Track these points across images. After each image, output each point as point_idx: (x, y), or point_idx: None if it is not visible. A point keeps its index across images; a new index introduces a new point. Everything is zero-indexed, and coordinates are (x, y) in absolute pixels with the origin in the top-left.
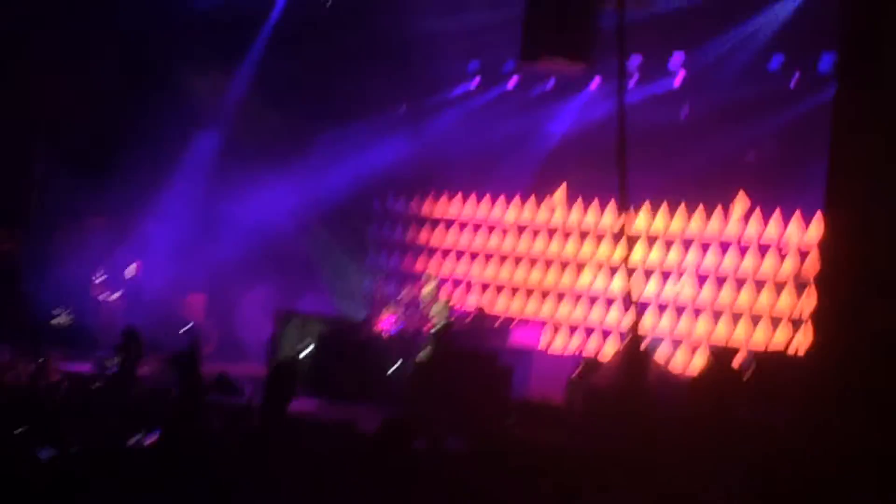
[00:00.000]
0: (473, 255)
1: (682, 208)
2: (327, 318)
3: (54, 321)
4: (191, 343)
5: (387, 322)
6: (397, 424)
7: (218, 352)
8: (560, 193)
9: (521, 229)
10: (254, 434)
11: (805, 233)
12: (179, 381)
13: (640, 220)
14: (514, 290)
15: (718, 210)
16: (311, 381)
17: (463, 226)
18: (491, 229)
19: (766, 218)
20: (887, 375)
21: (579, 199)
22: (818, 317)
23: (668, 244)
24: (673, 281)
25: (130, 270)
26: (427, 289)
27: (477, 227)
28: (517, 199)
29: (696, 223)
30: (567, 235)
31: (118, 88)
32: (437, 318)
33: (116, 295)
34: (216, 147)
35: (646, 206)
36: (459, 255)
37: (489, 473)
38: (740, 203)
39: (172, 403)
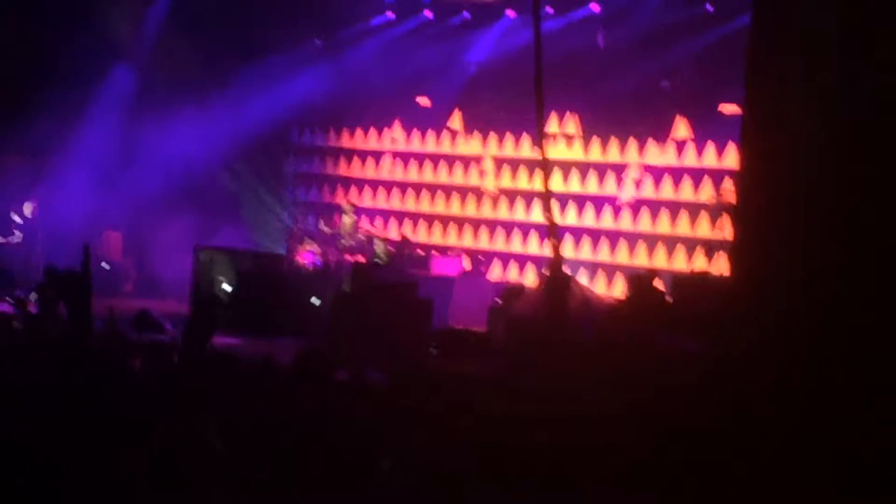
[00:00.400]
0: (392, 186)
1: (600, 136)
2: (247, 253)
3: None
4: (79, 269)
5: (307, 255)
6: (312, 355)
7: (137, 289)
8: (475, 123)
9: (438, 159)
10: (172, 372)
11: (721, 159)
12: (68, 308)
13: (559, 148)
14: (434, 220)
15: (634, 137)
16: (232, 317)
17: (381, 156)
18: (408, 160)
19: (682, 144)
20: (803, 303)
21: (497, 129)
22: (736, 244)
23: (586, 171)
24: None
25: (27, 209)
26: (346, 220)
27: (395, 158)
28: (434, 130)
29: (613, 150)
30: (484, 164)
31: (31, 24)
32: (376, 255)
33: (17, 237)
34: (134, 81)
35: (564, 133)
36: (377, 186)
37: (408, 405)
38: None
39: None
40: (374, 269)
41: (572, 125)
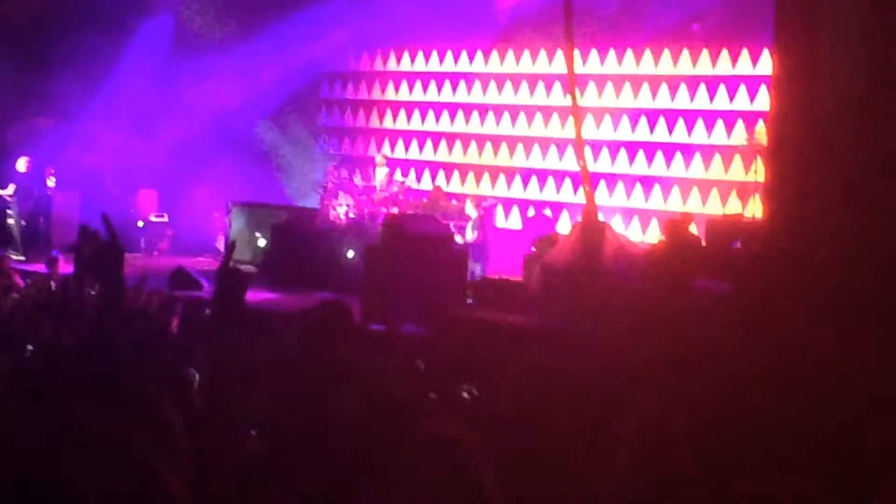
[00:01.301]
0: (424, 137)
1: (630, 80)
2: (281, 208)
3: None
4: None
5: (340, 208)
6: (334, 306)
7: (172, 246)
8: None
9: (470, 108)
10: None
11: (753, 101)
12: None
13: (589, 94)
14: (468, 170)
15: (665, 82)
16: (267, 273)
17: (411, 106)
18: (439, 109)
19: (714, 87)
20: (837, 241)
21: (526, 76)
22: (769, 185)
23: (617, 117)
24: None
25: (20, 165)
26: (380, 173)
27: (425, 108)
28: (465, 78)
29: (645, 95)
30: (517, 112)
31: None
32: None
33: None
34: (167, 32)
35: (594, 80)
36: (410, 137)
37: (443, 356)
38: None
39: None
40: (407, 220)
41: (602, 66)
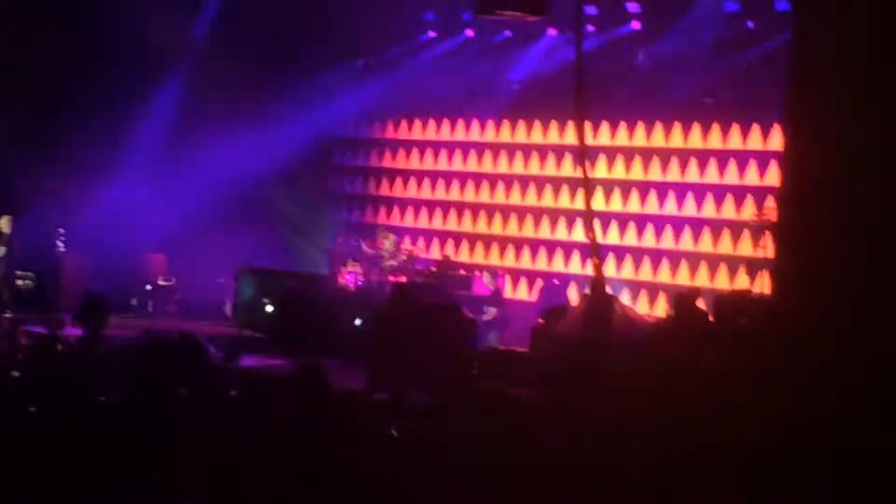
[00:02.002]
0: (434, 206)
1: (641, 154)
2: (290, 274)
3: (18, 283)
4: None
5: (349, 276)
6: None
7: (180, 310)
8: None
9: (481, 177)
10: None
11: (763, 177)
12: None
13: (600, 166)
14: (477, 240)
15: (675, 156)
16: (274, 339)
17: (422, 175)
18: (450, 178)
19: (724, 161)
20: (846, 321)
21: (537, 147)
22: (777, 263)
23: (627, 190)
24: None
25: (4, 224)
26: (388, 241)
27: (436, 177)
28: (475, 148)
29: (655, 168)
30: (527, 183)
31: (75, 40)
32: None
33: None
34: (178, 101)
35: (603, 152)
36: (420, 206)
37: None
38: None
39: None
40: (418, 288)
41: (614, 139)
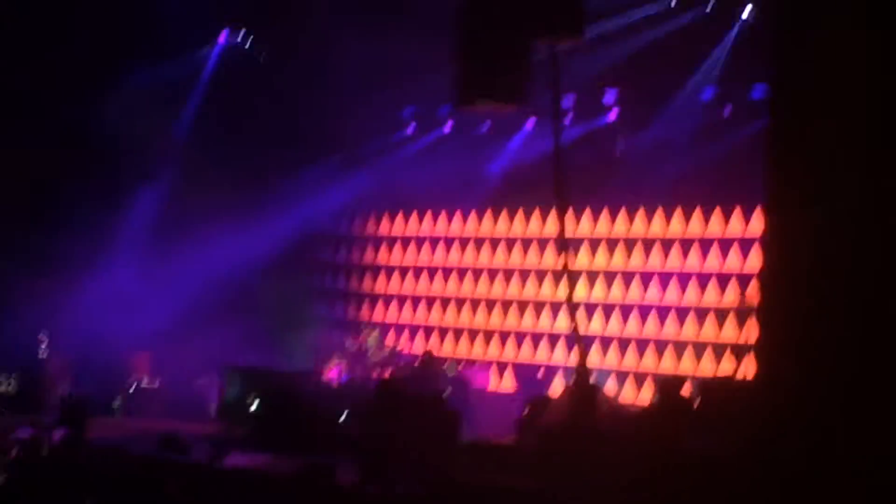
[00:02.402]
0: (418, 301)
1: (621, 243)
2: (274, 372)
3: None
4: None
5: (333, 372)
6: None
7: (166, 409)
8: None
9: (464, 270)
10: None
11: (745, 262)
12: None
13: (581, 256)
14: (462, 333)
15: (658, 243)
16: (260, 435)
17: (404, 269)
18: (433, 271)
19: (706, 247)
20: (831, 404)
21: (519, 239)
22: (761, 344)
23: (610, 279)
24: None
25: (42, 340)
26: (371, 336)
27: (418, 271)
28: (458, 241)
29: (637, 257)
30: (510, 275)
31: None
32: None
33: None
34: (161, 198)
35: (585, 241)
36: (404, 300)
37: None
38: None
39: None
40: (403, 382)
41: (595, 228)
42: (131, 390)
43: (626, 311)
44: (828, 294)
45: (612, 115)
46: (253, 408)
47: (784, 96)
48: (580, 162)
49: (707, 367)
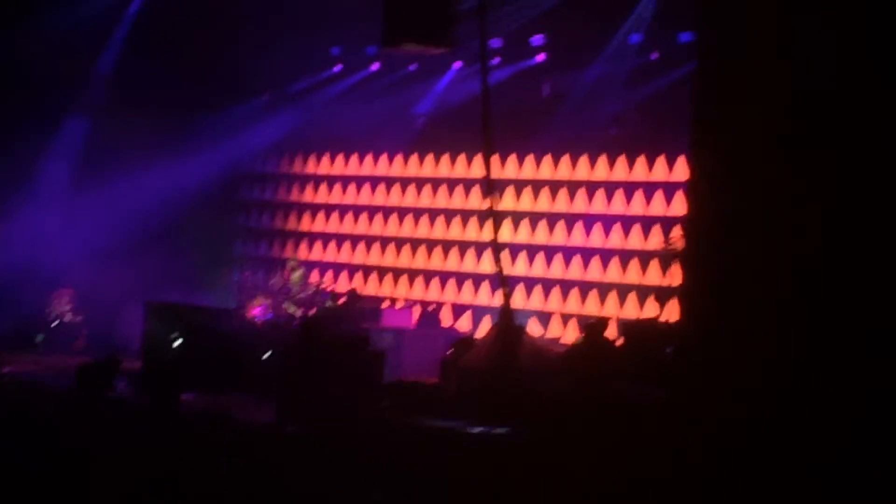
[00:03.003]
0: (343, 240)
1: (547, 187)
2: (198, 308)
3: None
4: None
5: (257, 310)
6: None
7: (89, 346)
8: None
9: (390, 210)
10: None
11: (670, 206)
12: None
13: (507, 198)
14: (386, 273)
15: (583, 188)
16: (184, 374)
17: (330, 209)
18: (358, 211)
19: (632, 191)
20: (754, 346)
21: (445, 180)
22: (684, 289)
23: (535, 220)
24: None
25: None
26: (296, 274)
27: (344, 210)
28: (384, 181)
29: (562, 199)
30: (436, 216)
31: None
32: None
33: None
34: (84, 132)
35: (511, 184)
36: (329, 239)
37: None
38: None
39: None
40: (326, 322)
41: (520, 171)
42: (53, 325)
43: (550, 253)
44: (750, 237)
45: (540, 58)
46: (176, 344)
47: (709, 43)
48: (506, 105)
49: (631, 311)
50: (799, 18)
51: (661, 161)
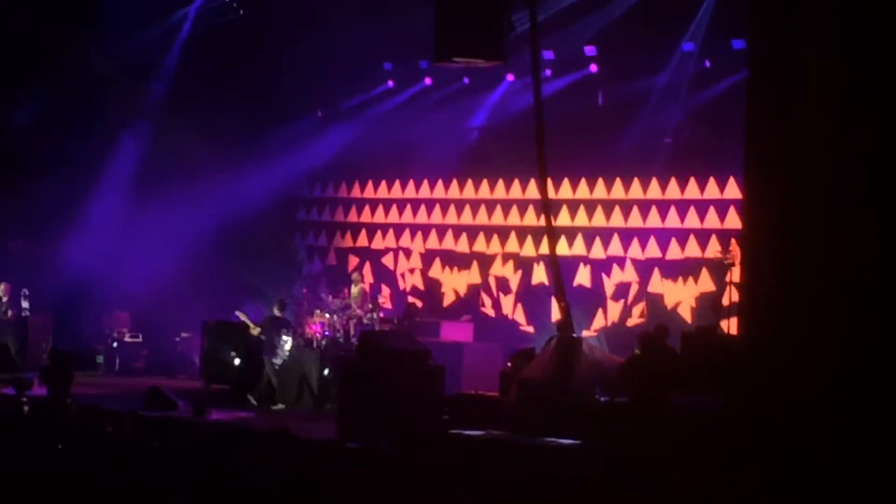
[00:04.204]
0: (398, 254)
1: (601, 206)
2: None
3: None
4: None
5: (316, 327)
6: None
7: (148, 366)
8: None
9: (446, 227)
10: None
11: (724, 219)
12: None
13: (564, 214)
14: (443, 286)
15: (641, 197)
16: (242, 391)
17: (388, 227)
18: (416, 228)
19: (686, 205)
20: (814, 356)
21: (502, 193)
22: (745, 298)
23: (593, 234)
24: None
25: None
26: (355, 290)
27: (402, 227)
28: (442, 195)
29: (616, 215)
30: (493, 230)
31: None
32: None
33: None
34: (139, 159)
35: (569, 195)
36: (385, 255)
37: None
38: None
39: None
40: (385, 337)
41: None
42: (114, 346)
43: (606, 266)
44: (807, 245)
45: (593, 68)
46: (235, 363)
47: (762, 50)
48: (561, 115)
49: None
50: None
51: (711, 181)
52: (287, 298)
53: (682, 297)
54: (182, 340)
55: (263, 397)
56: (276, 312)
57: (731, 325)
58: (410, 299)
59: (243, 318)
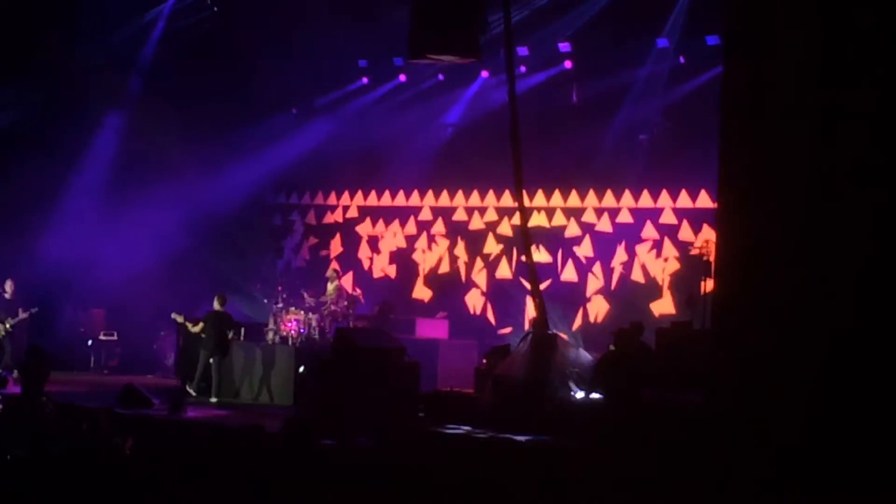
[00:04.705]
0: (375, 252)
1: (575, 195)
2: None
3: None
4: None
5: (291, 324)
6: (301, 423)
7: (122, 364)
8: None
9: (421, 223)
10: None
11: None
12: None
13: (539, 217)
14: (418, 284)
15: (611, 194)
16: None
17: (361, 222)
18: (389, 223)
19: (657, 197)
20: (784, 352)
21: (476, 189)
22: (717, 294)
23: (568, 232)
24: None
25: (8, 287)
26: (331, 287)
27: (375, 222)
28: (415, 192)
29: (590, 213)
30: (467, 228)
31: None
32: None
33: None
34: (114, 154)
35: (541, 193)
36: (359, 252)
37: (397, 469)
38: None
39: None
40: (358, 334)
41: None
42: (89, 343)
43: (584, 267)
44: (779, 246)
45: (568, 65)
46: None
47: (740, 41)
48: (535, 111)
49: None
50: (831, 23)
51: (683, 193)
52: (260, 293)
53: (657, 293)
54: (159, 338)
55: (201, 390)
56: (217, 307)
57: (706, 320)
58: (386, 297)
59: (179, 319)
